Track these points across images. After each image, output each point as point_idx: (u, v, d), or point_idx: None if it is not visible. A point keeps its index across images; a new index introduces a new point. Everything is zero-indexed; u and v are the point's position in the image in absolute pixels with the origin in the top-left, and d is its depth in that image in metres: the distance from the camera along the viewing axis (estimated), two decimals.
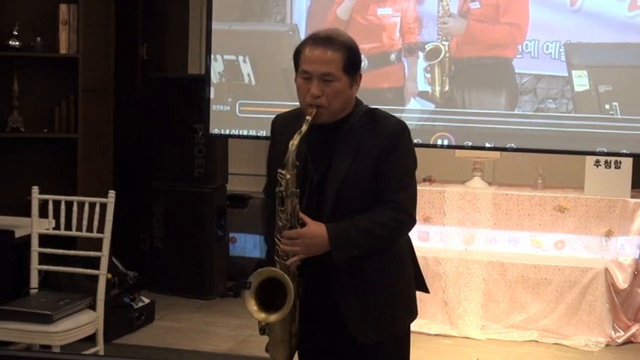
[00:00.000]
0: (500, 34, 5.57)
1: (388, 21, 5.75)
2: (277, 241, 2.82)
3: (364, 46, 5.60)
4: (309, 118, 2.79)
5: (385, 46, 5.71)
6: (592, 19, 5.42)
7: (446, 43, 5.65)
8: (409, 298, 3.01)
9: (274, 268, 2.82)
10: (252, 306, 2.79)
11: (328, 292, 2.86)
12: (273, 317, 2.78)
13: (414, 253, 3.05)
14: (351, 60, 2.84)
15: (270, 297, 2.80)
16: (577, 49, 5.45)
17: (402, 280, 2.98)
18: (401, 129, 2.88)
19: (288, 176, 2.78)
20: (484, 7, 5.59)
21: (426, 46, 5.68)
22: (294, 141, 2.77)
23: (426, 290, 3.09)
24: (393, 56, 5.73)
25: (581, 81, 5.43)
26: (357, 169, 2.83)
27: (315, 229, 2.79)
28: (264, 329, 2.90)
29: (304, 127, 2.78)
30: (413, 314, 3.02)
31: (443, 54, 5.65)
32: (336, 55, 2.81)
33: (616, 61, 5.39)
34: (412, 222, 2.90)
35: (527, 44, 5.51)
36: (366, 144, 2.84)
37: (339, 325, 2.87)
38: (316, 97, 2.80)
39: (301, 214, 2.80)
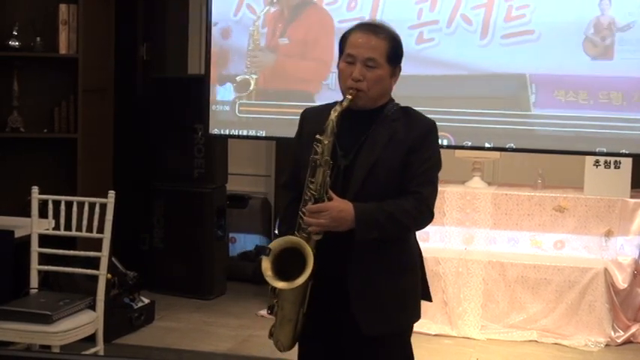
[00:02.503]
0: (307, 70, 5.83)
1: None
2: (301, 214, 2.85)
3: None
4: (349, 97, 2.88)
5: None
6: None
7: (254, 76, 5.88)
8: (416, 298, 3.05)
9: (294, 237, 2.85)
10: (268, 271, 2.81)
11: (339, 280, 2.88)
12: (298, 280, 2.78)
13: (423, 262, 3.09)
14: (394, 50, 2.94)
15: (285, 270, 2.82)
16: None
17: (411, 279, 3.01)
18: (432, 127, 2.99)
19: (326, 142, 2.84)
20: (293, 43, 5.84)
21: (237, 78, 5.94)
22: (336, 110, 2.85)
23: (429, 299, 3.13)
24: None
25: None
26: (387, 159, 2.89)
27: (342, 204, 2.83)
28: (272, 307, 2.93)
29: (345, 103, 2.87)
30: (417, 315, 3.06)
31: (252, 86, 5.90)
32: (381, 42, 2.91)
33: (404, 92, 5.51)
34: (431, 216, 2.95)
35: (327, 76, 5.76)
36: (397, 136, 2.91)
37: (346, 315, 2.90)
38: (357, 81, 2.88)
39: (329, 190, 2.84)
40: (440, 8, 5.59)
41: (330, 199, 2.84)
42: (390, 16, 5.58)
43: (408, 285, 3.00)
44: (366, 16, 5.66)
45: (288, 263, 2.82)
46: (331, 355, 3.00)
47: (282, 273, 2.82)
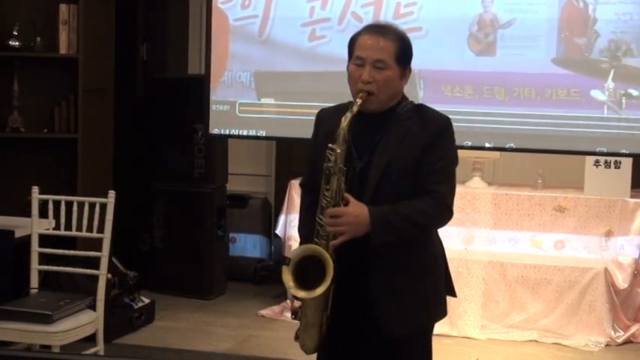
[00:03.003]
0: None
1: None
2: (319, 221, 2.85)
3: None
4: (359, 100, 2.86)
5: None
6: (278, 48, 5.87)
7: None
8: (439, 296, 3.04)
9: (313, 245, 2.85)
10: (290, 282, 2.82)
11: (361, 281, 2.89)
12: (317, 291, 2.78)
13: (446, 259, 3.08)
14: (403, 51, 2.93)
15: (306, 277, 2.82)
16: (265, 77, 5.84)
17: (434, 277, 3.00)
18: (446, 124, 2.96)
19: (339, 151, 2.82)
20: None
21: None
22: (346, 118, 2.83)
23: (453, 295, 3.12)
24: None
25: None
26: (401, 159, 2.88)
27: (358, 209, 2.82)
28: (296, 312, 2.94)
29: (355, 108, 2.85)
30: (442, 312, 3.05)
31: None
32: (390, 43, 2.90)
33: (298, 87, 5.79)
34: (450, 214, 2.93)
35: (223, 74, 5.96)
36: (411, 135, 2.90)
37: (368, 316, 2.90)
38: (367, 83, 2.87)
39: (345, 194, 2.84)
40: (331, 6, 5.71)
41: (346, 204, 2.84)
42: (283, 13, 5.78)
43: (431, 283, 2.98)
44: (260, 14, 5.82)
45: (308, 271, 2.82)
46: (351, 356, 2.99)
47: (303, 280, 2.83)
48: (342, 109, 2.93)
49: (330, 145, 2.84)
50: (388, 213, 2.83)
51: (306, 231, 2.95)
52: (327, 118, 3.01)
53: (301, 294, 2.82)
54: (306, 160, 3.09)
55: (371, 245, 2.83)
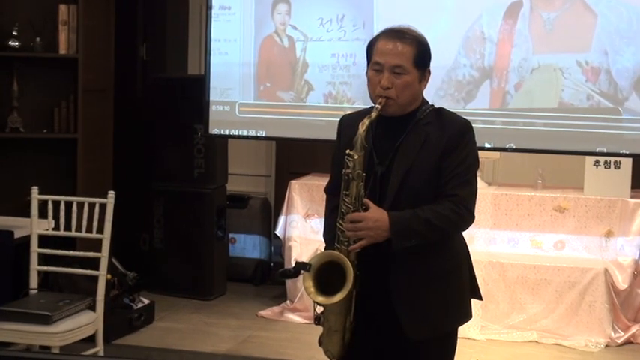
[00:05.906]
0: None
1: None
2: (340, 226, 2.87)
3: None
4: (378, 106, 2.87)
5: None
6: None
7: None
8: (463, 299, 3.03)
9: (333, 251, 2.87)
10: (311, 287, 2.83)
11: (382, 284, 2.89)
12: (336, 297, 2.80)
13: (471, 260, 3.07)
14: (421, 55, 2.92)
15: (326, 283, 2.83)
16: None
17: (457, 281, 3.00)
18: (466, 128, 2.96)
19: (356, 157, 2.84)
20: None
21: None
22: (364, 124, 2.84)
23: (479, 297, 3.11)
24: None
25: None
26: (421, 163, 2.88)
27: (378, 214, 2.83)
28: (319, 318, 2.94)
29: (374, 114, 2.86)
30: (465, 316, 3.05)
31: None
32: (407, 48, 2.90)
33: None
34: (471, 218, 2.93)
35: None
36: (431, 139, 2.90)
37: (390, 319, 2.90)
38: (386, 89, 2.88)
39: (365, 199, 2.85)
40: None
41: (366, 210, 2.84)
42: None
43: (453, 286, 2.98)
44: None
45: (329, 276, 2.83)
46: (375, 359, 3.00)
47: (323, 286, 2.84)
48: (363, 114, 2.93)
49: (348, 151, 2.85)
50: (408, 218, 2.84)
51: (331, 236, 2.96)
52: (349, 124, 3.02)
53: (320, 299, 2.83)
54: (331, 165, 3.09)
55: (392, 250, 2.84)
